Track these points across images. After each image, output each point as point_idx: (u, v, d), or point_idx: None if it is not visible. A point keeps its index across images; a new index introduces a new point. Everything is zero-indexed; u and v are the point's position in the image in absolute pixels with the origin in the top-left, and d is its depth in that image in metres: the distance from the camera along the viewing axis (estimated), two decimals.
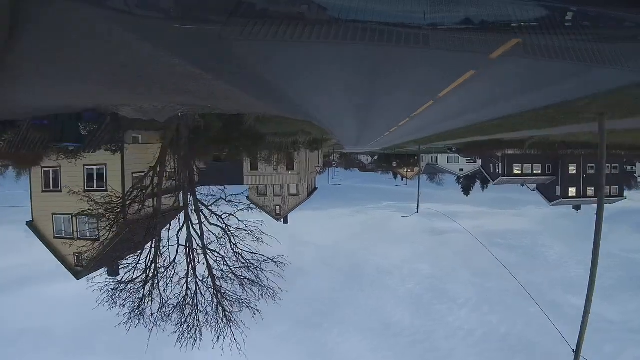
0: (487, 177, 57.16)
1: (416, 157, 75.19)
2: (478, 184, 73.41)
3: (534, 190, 53.00)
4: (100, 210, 20.34)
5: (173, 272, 20.86)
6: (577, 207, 49.72)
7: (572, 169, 47.14)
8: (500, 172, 52.13)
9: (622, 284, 49.68)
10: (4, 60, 5.91)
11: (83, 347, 37.53)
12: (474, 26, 6.24)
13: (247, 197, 39.26)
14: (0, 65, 6.15)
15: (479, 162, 62.86)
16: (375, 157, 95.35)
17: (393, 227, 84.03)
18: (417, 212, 38.23)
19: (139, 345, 19.58)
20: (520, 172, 50.61)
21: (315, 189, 52.21)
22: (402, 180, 79.00)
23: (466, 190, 73.67)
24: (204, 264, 21.63)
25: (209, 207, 22.86)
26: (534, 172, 50.07)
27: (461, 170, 69.53)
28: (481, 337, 46.22)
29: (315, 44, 6.35)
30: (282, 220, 41.75)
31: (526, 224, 78.00)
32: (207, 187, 24.44)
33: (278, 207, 42.18)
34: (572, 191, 47.84)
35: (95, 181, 22.78)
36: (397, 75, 9.31)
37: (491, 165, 54.76)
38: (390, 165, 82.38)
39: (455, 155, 63.37)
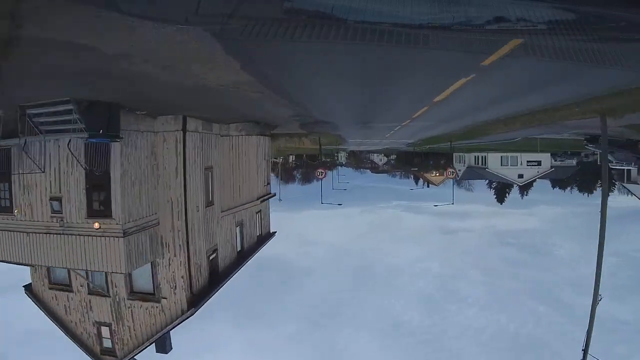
0: None
1: (453, 155, 65.71)
2: (516, 188, 67.60)
3: None
4: None
5: None
6: None
7: None
8: None
9: (635, 283, 47.26)
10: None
11: None
12: (474, 26, 6.21)
13: (28, 291, 15.96)
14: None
15: (547, 163, 47.55)
16: (394, 157, 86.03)
17: (403, 226, 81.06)
18: None
19: None
20: None
21: (270, 235, 23.49)
22: (428, 186, 74.24)
23: (500, 197, 67.83)
24: None
25: None
26: None
27: (520, 176, 51.31)
28: (490, 336, 45.55)
29: (315, 43, 6.50)
30: None
31: None
32: None
33: (105, 330, 15.43)
34: None
35: None
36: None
37: None
38: (423, 167, 75.92)
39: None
